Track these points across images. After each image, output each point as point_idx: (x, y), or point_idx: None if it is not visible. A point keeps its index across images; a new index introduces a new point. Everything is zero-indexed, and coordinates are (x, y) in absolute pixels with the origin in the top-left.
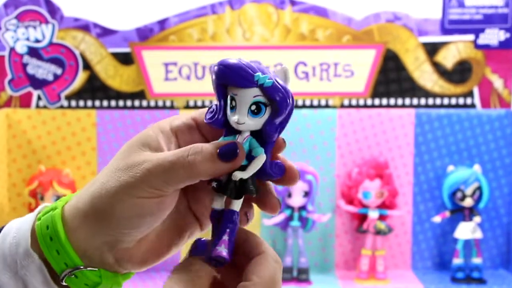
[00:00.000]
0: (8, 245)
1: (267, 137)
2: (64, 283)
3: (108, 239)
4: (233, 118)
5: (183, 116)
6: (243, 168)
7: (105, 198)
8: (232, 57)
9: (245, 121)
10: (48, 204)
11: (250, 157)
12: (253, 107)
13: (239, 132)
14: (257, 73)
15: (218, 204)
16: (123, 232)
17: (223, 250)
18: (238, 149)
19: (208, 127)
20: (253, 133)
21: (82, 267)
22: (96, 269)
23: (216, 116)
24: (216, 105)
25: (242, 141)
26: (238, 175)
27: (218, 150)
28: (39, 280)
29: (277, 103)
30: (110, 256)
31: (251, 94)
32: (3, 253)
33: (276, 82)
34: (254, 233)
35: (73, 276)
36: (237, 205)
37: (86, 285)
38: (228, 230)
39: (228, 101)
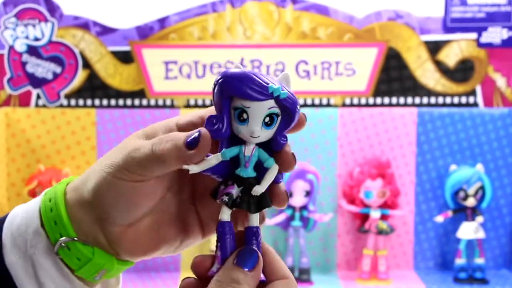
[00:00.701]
0: (16, 226)
1: (277, 147)
2: (59, 256)
3: (95, 216)
4: (247, 131)
5: (192, 114)
6: (256, 181)
7: (94, 175)
8: (234, 67)
9: (260, 134)
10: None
11: (262, 169)
12: (267, 119)
13: (243, 142)
14: (270, 85)
15: (226, 216)
16: (106, 211)
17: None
18: (201, 139)
19: None
20: (259, 143)
21: (75, 238)
22: (89, 244)
23: (220, 128)
24: (216, 116)
25: (251, 153)
26: (259, 190)
27: (185, 140)
28: (47, 258)
29: (292, 113)
30: (101, 236)
31: (266, 107)
32: (12, 234)
33: (289, 92)
34: (275, 253)
35: (66, 248)
36: (256, 219)
37: (78, 259)
38: (255, 245)
39: (235, 113)
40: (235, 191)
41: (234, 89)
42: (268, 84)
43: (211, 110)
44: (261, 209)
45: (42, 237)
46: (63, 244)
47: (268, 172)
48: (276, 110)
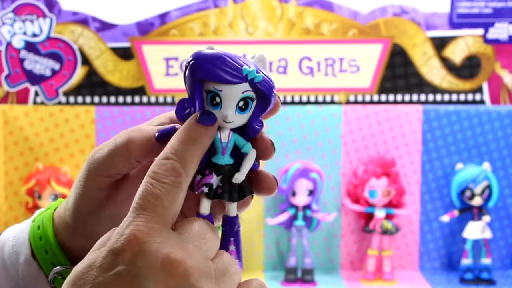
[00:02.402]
0: (7, 254)
1: (252, 133)
2: (54, 286)
3: (82, 239)
4: (220, 116)
5: (161, 116)
6: (234, 168)
7: (70, 196)
8: (204, 48)
9: (234, 119)
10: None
11: (239, 155)
12: (241, 103)
13: (217, 128)
14: (244, 67)
15: (206, 209)
16: (90, 230)
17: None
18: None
19: None
20: (233, 129)
21: (69, 267)
22: None
23: (192, 112)
24: (187, 99)
25: (227, 138)
26: (240, 177)
27: (156, 133)
28: None
29: (267, 97)
30: None
31: (240, 90)
32: (3, 263)
33: (264, 75)
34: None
35: (60, 277)
36: (234, 209)
37: None
38: (232, 239)
39: (207, 97)
40: (214, 180)
41: (206, 72)
42: (242, 66)
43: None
44: (243, 197)
45: (33, 267)
46: (56, 275)
47: (247, 158)
48: (251, 94)
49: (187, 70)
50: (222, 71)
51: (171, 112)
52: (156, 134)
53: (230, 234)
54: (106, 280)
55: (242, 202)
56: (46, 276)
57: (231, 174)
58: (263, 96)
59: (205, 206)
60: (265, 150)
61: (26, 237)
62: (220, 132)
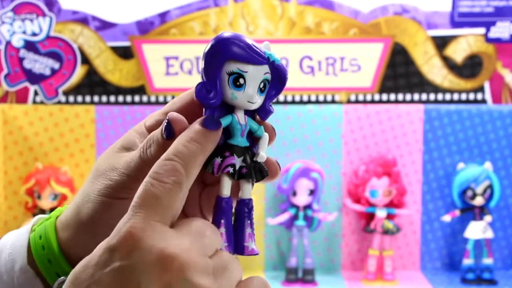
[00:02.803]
0: (3, 262)
1: (266, 115)
2: None
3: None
4: (244, 97)
5: (156, 114)
6: (251, 150)
7: (89, 205)
8: (228, 32)
9: (257, 100)
10: (44, 216)
11: (253, 138)
12: (261, 85)
13: (232, 111)
14: (265, 49)
15: (228, 190)
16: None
17: (254, 246)
18: (173, 124)
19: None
20: (246, 112)
21: None
22: None
23: (214, 96)
24: (208, 83)
25: (244, 121)
26: (264, 156)
27: (162, 134)
28: None
29: (284, 79)
30: None
31: (263, 72)
32: None
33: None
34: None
35: None
36: (250, 190)
37: None
38: (249, 221)
39: (230, 78)
40: (236, 161)
41: (233, 52)
42: (261, 48)
43: (173, 104)
44: (264, 177)
45: (29, 275)
46: (60, 284)
47: (263, 140)
48: (269, 76)
49: (212, 51)
50: (251, 51)
51: (164, 108)
52: (164, 136)
53: (248, 216)
54: (102, 277)
55: (271, 172)
56: (42, 284)
57: (250, 155)
58: (279, 79)
59: (227, 187)
60: (269, 134)
61: (23, 244)
62: (237, 114)
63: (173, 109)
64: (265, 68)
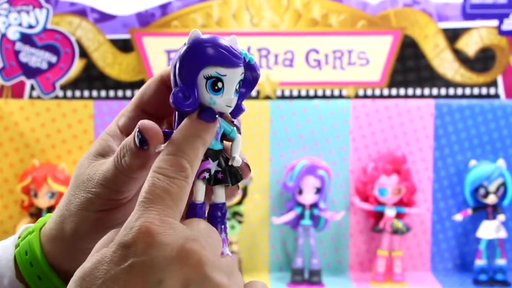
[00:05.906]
0: None
1: (237, 114)
2: None
3: (84, 259)
4: (223, 101)
5: (126, 110)
6: (223, 153)
7: (72, 219)
8: (203, 34)
9: (234, 103)
10: (30, 225)
11: (227, 140)
12: (237, 86)
13: None
14: (240, 49)
15: (202, 195)
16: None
17: (228, 252)
18: (146, 134)
19: (155, 108)
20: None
21: None
22: None
23: (193, 102)
24: (183, 89)
25: (218, 123)
26: (239, 160)
27: (135, 144)
28: None
29: (257, 78)
30: None
31: (239, 73)
32: None
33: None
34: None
35: None
36: (223, 194)
37: None
38: (223, 226)
39: (208, 83)
40: (211, 166)
41: (212, 56)
42: (237, 49)
43: (143, 95)
44: (239, 181)
45: None
46: None
47: (236, 142)
48: (243, 75)
49: (189, 54)
50: (230, 54)
51: (133, 101)
52: (137, 146)
53: (221, 221)
54: (118, 273)
55: (231, 192)
56: None
57: (225, 159)
58: (252, 77)
59: (201, 193)
60: (244, 173)
61: (9, 258)
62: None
63: (143, 101)
64: (242, 69)
